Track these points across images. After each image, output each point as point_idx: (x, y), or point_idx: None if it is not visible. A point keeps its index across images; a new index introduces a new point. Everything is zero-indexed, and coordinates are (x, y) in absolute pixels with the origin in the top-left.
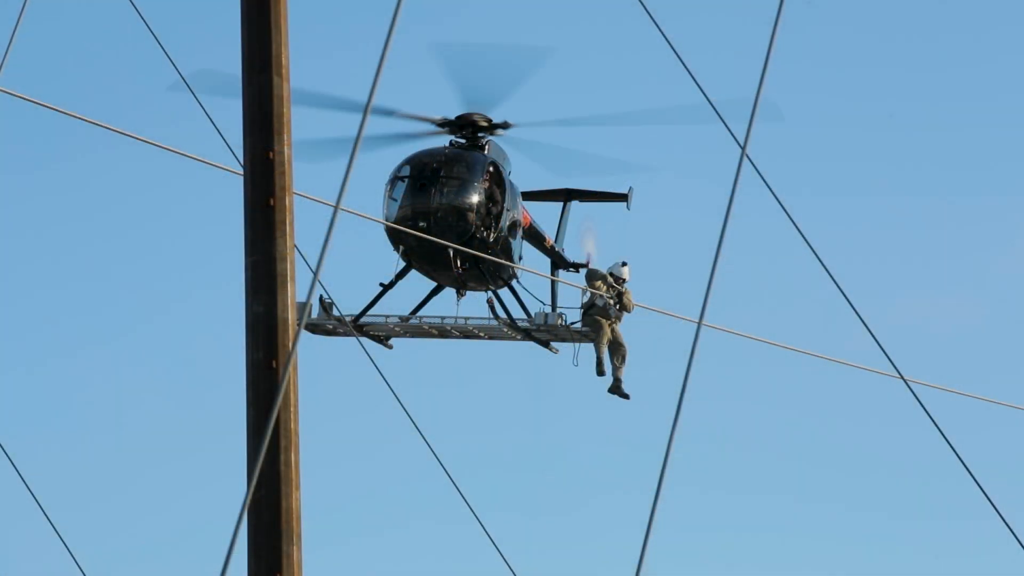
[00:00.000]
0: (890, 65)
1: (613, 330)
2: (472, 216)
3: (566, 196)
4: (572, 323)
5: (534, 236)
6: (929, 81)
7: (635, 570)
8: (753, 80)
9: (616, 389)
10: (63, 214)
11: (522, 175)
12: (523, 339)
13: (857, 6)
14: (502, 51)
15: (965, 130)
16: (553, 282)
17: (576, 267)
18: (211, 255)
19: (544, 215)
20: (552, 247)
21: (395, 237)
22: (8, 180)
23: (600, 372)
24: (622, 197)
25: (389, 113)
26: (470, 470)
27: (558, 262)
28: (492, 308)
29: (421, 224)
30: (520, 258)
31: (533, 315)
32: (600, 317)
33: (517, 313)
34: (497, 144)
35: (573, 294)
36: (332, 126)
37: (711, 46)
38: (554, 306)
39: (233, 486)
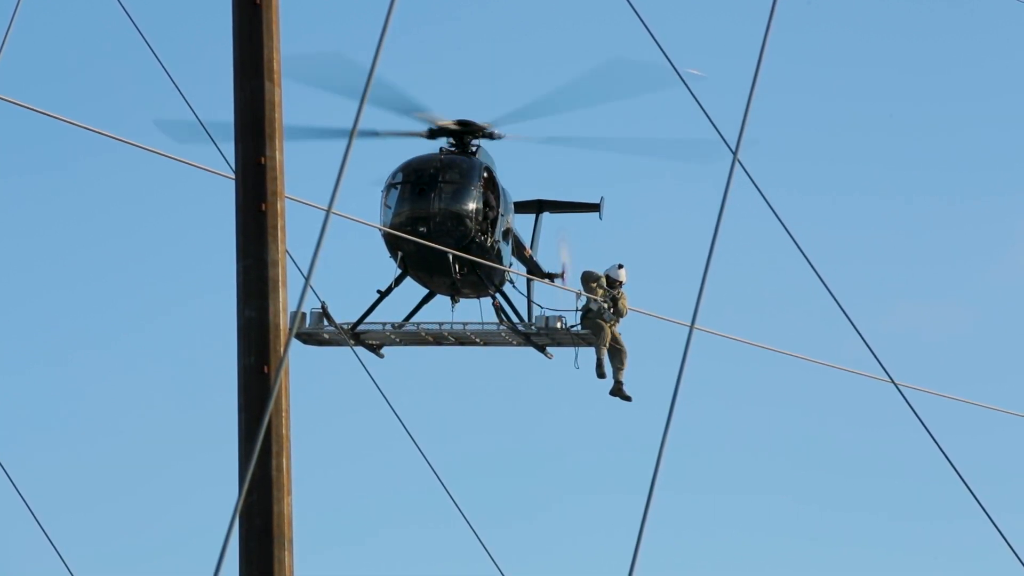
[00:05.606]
0: (889, 65)
1: (612, 333)
2: (470, 221)
3: (538, 207)
4: (571, 326)
5: (515, 244)
6: (928, 81)
7: (627, 572)
8: (746, 82)
9: (618, 391)
10: (54, 219)
11: (505, 181)
12: (521, 344)
13: (857, 6)
14: (493, 56)
15: (961, 133)
16: (529, 290)
17: (551, 277)
18: (203, 260)
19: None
20: (530, 256)
21: (393, 244)
22: (0, 185)
23: (601, 374)
24: (594, 207)
25: (373, 134)
26: (461, 475)
27: (534, 271)
28: (497, 312)
29: (421, 229)
30: (511, 264)
31: (534, 319)
32: (600, 320)
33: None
34: (486, 149)
35: (554, 300)
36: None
37: (707, 47)
38: (529, 312)
39: (225, 491)
